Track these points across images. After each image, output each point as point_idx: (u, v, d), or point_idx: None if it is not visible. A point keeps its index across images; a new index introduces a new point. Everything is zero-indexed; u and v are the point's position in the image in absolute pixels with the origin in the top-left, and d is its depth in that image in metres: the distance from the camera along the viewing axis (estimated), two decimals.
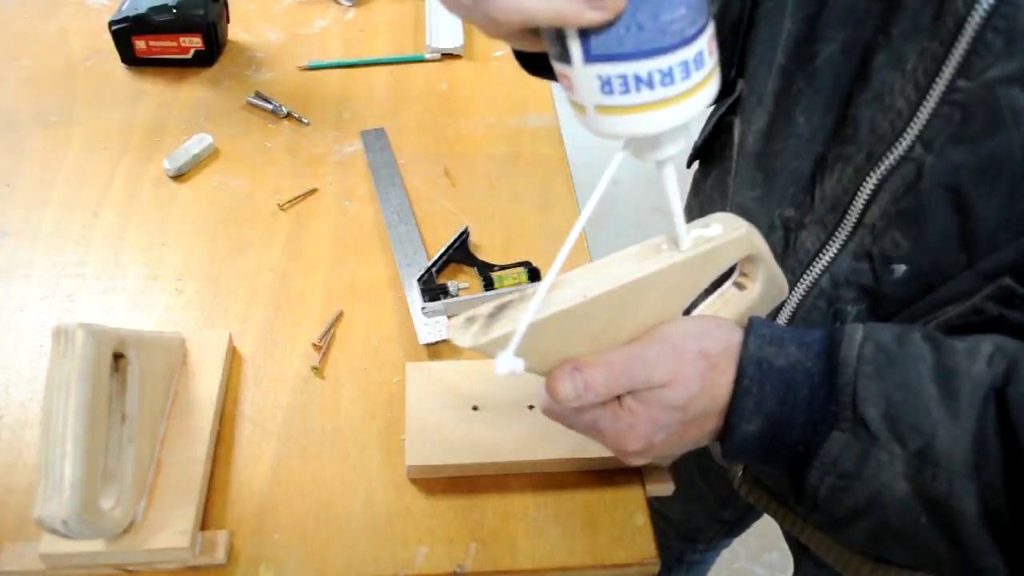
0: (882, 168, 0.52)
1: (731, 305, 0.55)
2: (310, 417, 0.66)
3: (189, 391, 0.64)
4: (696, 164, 0.76)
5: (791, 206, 0.59)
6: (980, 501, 0.43)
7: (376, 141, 0.91)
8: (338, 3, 1.13)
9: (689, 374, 0.47)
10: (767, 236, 0.59)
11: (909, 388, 0.44)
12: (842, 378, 0.45)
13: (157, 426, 0.61)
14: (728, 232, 0.48)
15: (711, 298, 0.56)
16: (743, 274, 0.55)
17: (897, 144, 0.51)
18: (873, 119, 0.52)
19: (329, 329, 0.72)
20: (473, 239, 0.80)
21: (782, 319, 0.61)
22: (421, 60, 1.04)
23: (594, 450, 0.61)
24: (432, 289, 0.73)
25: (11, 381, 0.68)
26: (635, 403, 0.47)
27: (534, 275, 0.75)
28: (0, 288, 0.75)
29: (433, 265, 0.75)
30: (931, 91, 0.49)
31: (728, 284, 0.56)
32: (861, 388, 0.45)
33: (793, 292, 0.59)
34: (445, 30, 1.07)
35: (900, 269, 0.52)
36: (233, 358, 0.70)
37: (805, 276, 0.58)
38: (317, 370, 0.69)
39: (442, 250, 0.77)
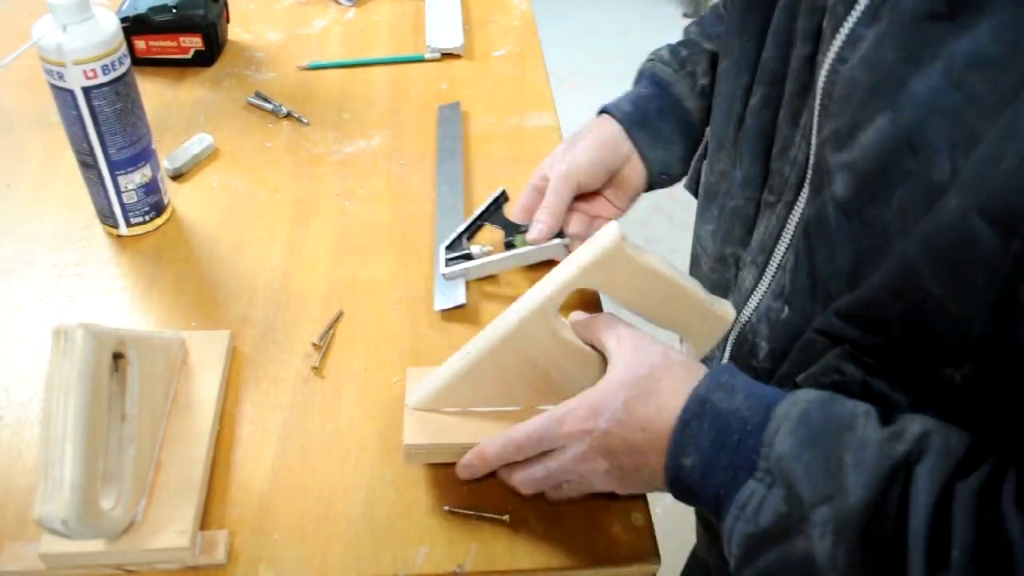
0: (795, 215, 0.55)
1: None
2: (310, 417, 0.66)
3: (189, 391, 0.64)
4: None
5: (738, 244, 0.62)
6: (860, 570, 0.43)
7: (452, 115, 0.94)
8: (338, 3, 1.13)
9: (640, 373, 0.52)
10: (718, 270, 0.65)
11: (826, 453, 0.45)
12: (769, 431, 0.47)
13: (157, 426, 0.61)
14: (592, 249, 0.54)
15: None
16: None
17: (801, 195, 0.54)
18: (782, 170, 0.56)
19: (329, 329, 0.72)
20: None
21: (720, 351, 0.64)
22: (421, 60, 1.04)
23: None
24: (455, 256, 0.74)
25: (11, 381, 0.68)
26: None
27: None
28: (0, 288, 0.75)
29: (466, 231, 0.76)
30: (812, 146, 0.52)
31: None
32: (779, 443, 0.46)
33: (732, 328, 0.62)
34: (445, 30, 1.07)
35: (784, 310, 0.56)
36: (233, 358, 0.70)
37: (742, 314, 0.61)
38: (317, 370, 0.69)
39: (475, 213, 0.78)
